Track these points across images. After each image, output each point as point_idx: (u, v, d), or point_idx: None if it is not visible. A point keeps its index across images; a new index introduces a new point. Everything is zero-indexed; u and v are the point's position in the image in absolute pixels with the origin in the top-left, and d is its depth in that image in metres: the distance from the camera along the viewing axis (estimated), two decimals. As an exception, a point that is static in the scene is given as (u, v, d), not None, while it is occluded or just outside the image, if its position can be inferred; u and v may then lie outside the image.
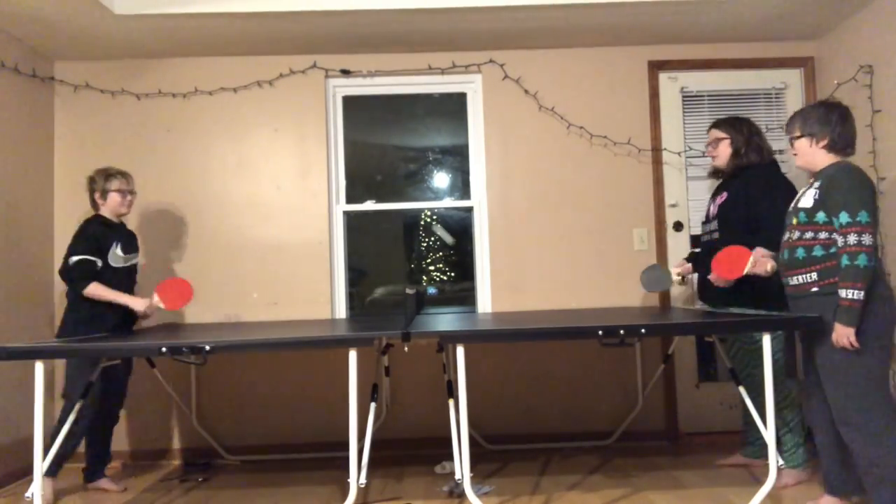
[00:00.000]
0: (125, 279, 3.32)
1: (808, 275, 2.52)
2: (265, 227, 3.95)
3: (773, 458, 2.54)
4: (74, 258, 3.14)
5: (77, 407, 2.94)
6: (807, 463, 3.06)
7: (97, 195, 3.27)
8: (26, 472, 3.52)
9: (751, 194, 3.07)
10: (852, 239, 2.36)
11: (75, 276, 3.13)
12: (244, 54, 3.97)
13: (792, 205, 2.66)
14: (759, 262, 2.85)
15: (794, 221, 2.58)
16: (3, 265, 3.43)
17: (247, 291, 3.92)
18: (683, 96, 4.08)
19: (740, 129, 3.20)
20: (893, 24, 3.39)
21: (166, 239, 3.92)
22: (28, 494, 2.52)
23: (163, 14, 3.36)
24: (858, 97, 3.64)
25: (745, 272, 2.87)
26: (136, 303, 3.20)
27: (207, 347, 2.42)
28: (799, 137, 2.60)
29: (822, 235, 2.48)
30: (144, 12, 3.34)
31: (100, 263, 3.19)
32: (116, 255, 3.27)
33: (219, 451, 3.82)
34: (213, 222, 3.94)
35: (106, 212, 3.29)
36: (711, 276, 3.05)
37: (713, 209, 3.26)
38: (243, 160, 3.97)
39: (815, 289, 2.51)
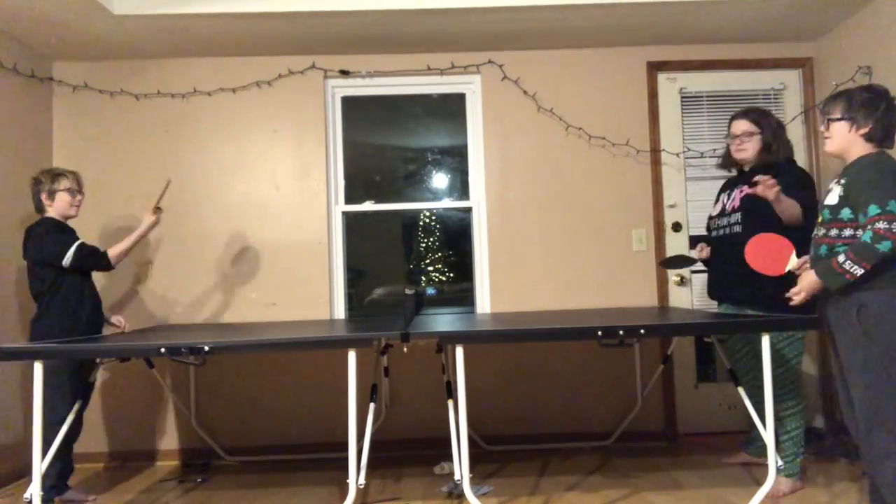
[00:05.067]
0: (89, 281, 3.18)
1: None
2: (264, 227, 3.95)
3: (773, 459, 2.54)
4: (72, 248, 3.01)
5: (76, 407, 2.94)
6: (802, 473, 2.98)
7: (44, 196, 3.09)
8: (21, 475, 3.50)
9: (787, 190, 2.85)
10: (881, 224, 2.16)
11: (93, 257, 3.06)
12: (243, 55, 3.96)
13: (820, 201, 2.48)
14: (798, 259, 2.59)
15: (820, 219, 2.41)
16: (2, 264, 3.43)
17: (245, 292, 3.92)
18: (682, 97, 4.09)
19: (769, 124, 3.04)
20: (892, 25, 3.39)
21: (165, 239, 3.91)
22: (27, 496, 2.51)
23: (161, 14, 3.36)
24: (857, 98, 3.64)
25: (787, 269, 2.57)
26: (145, 223, 3.20)
27: (206, 348, 2.42)
28: (838, 120, 2.36)
29: (847, 233, 2.30)
30: (143, 13, 3.34)
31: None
32: None
33: (218, 451, 3.82)
34: (212, 223, 3.93)
35: (53, 214, 3.10)
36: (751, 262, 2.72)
37: (734, 202, 3.08)
38: (242, 161, 3.97)
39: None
